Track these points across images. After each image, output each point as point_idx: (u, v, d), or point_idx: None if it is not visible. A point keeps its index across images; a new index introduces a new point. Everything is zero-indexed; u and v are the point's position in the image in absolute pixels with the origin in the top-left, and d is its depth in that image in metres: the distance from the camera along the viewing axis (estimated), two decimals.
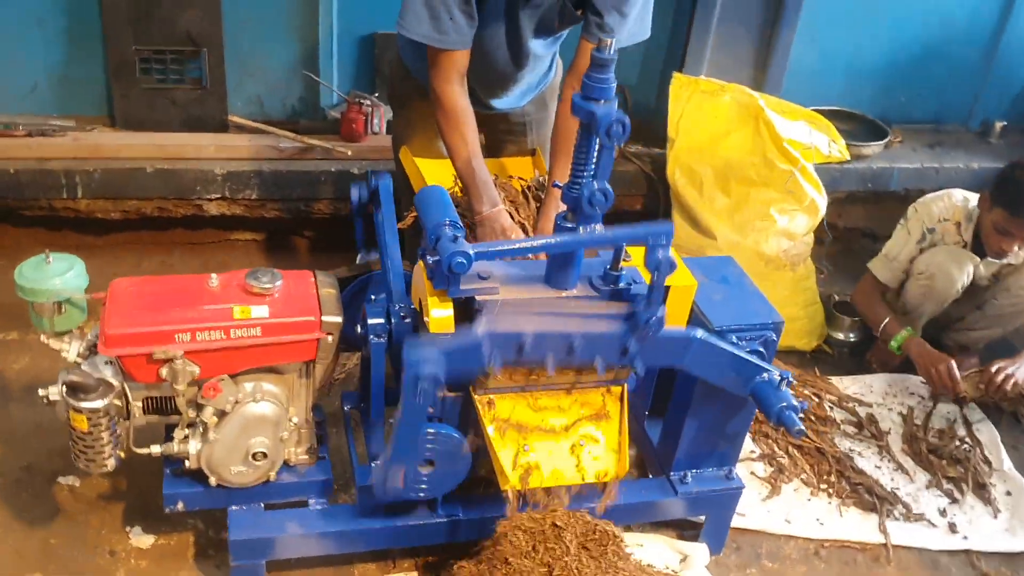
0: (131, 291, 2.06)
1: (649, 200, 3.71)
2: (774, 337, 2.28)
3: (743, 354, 2.16)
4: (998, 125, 4.21)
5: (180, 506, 2.21)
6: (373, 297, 2.26)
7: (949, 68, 4.17)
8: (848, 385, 3.34)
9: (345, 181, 3.35)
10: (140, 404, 2.08)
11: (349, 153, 3.35)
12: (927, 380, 3.18)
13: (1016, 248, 3.03)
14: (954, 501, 2.89)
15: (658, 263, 1.88)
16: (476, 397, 2.07)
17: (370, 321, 2.08)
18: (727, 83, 3.26)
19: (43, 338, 2.06)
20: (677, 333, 2.08)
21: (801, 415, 2.17)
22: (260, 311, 2.03)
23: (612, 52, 1.75)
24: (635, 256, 2.02)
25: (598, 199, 1.84)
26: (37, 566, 2.33)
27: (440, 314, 1.95)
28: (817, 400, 3.21)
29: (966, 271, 3.13)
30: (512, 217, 2.41)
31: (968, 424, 3.19)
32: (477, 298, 1.95)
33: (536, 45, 2.48)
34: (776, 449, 2.98)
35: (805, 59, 3.92)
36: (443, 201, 1.97)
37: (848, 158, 3.32)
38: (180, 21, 3.27)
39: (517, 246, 1.88)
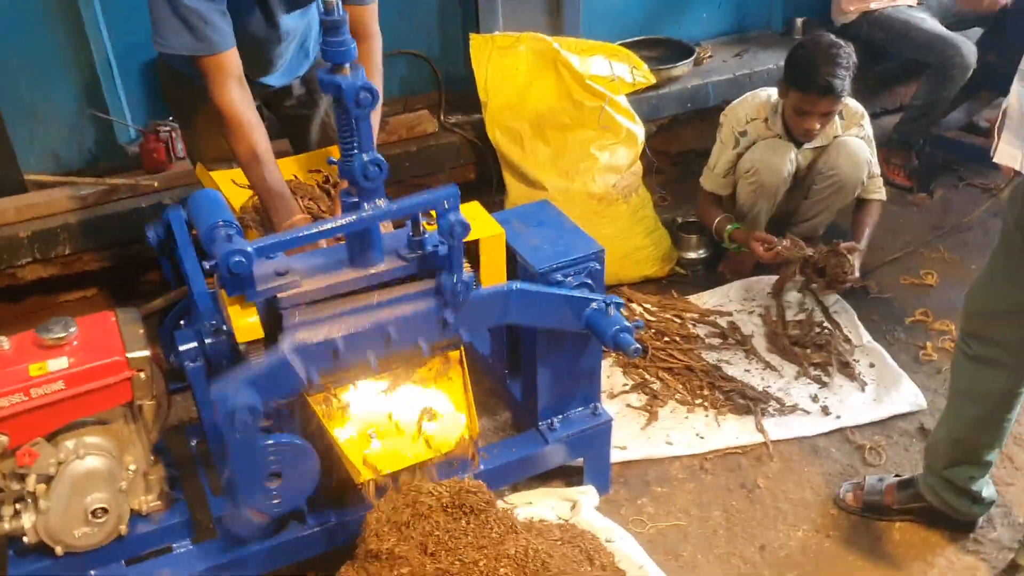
0: None
1: (481, 167, 3.67)
2: (598, 267, 2.28)
3: (565, 291, 2.15)
4: (799, 21, 4.32)
5: None
6: (182, 323, 2.16)
7: None
8: (707, 299, 3.39)
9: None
10: None
11: (156, 184, 3.21)
12: (757, 256, 3.23)
13: (818, 126, 3.11)
14: (823, 385, 2.96)
15: (451, 226, 1.85)
16: (310, 398, 2.00)
17: (181, 347, 1.98)
18: (521, 33, 3.24)
19: None
20: (492, 290, 2.05)
21: (638, 335, 2.18)
22: (58, 363, 1.91)
23: (340, 13, 1.70)
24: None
25: (372, 171, 1.79)
26: None
27: (244, 322, 1.87)
28: (679, 321, 3.25)
29: (787, 159, 3.20)
30: (313, 215, 2.34)
31: (825, 309, 3.27)
32: (279, 296, 1.88)
33: (289, 21, 2.44)
34: (647, 376, 3.01)
35: None
36: (214, 202, 1.88)
37: (654, 82, 3.35)
38: None
39: (302, 234, 1.81)
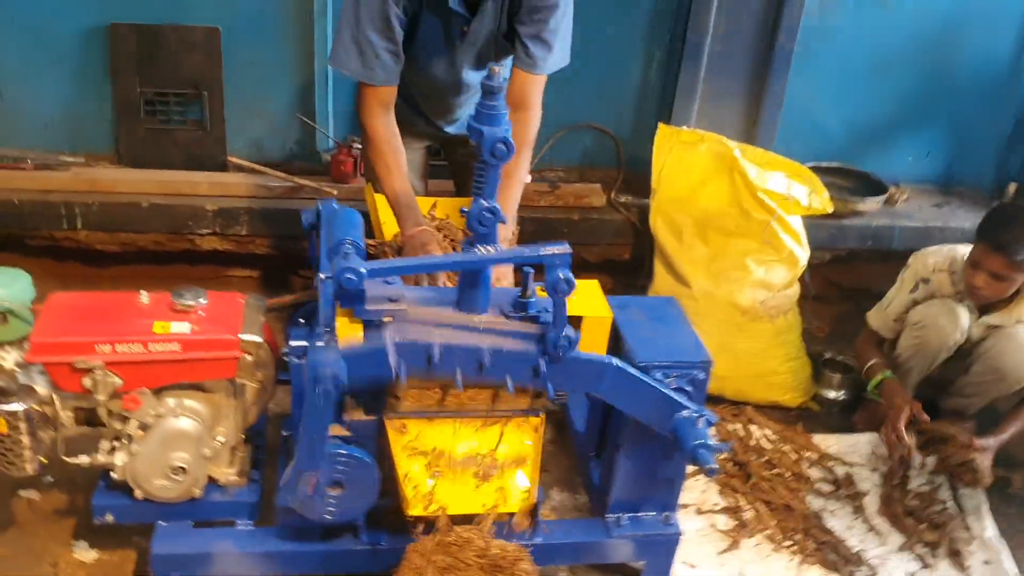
0: (65, 304, 2.16)
1: (637, 250, 3.71)
2: (701, 376, 2.25)
3: (661, 387, 2.13)
4: (1012, 187, 4.10)
5: (109, 518, 2.26)
6: (301, 320, 2.30)
7: (960, 127, 4.10)
8: (832, 444, 3.23)
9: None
10: (71, 414, 2.16)
11: (336, 193, 3.45)
12: (888, 418, 3.04)
13: (983, 285, 2.92)
14: (925, 567, 2.76)
15: (556, 282, 1.89)
16: (387, 421, 2.09)
17: (291, 342, 2.12)
18: (706, 133, 3.26)
19: None
20: (592, 358, 2.08)
21: (722, 455, 2.14)
22: (180, 327, 2.10)
23: (499, 80, 1.81)
24: None
25: (486, 218, 1.88)
26: None
27: (348, 334, 1.98)
28: (795, 456, 3.12)
29: (959, 325, 3.04)
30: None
31: (954, 489, 3.05)
32: (384, 320, 1.99)
33: (473, 76, 2.58)
34: (742, 503, 2.90)
35: (806, 115, 3.92)
36: (349, 222, 2.02)
37: (830, 210, 3.26)
38: (183, 65, 3.45)
39: (414, 263, 1.91)
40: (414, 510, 2.08)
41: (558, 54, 2.53)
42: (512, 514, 2.19)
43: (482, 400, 2.10)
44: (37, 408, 2.09)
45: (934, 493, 3.01)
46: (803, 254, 3.25)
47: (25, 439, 2.09)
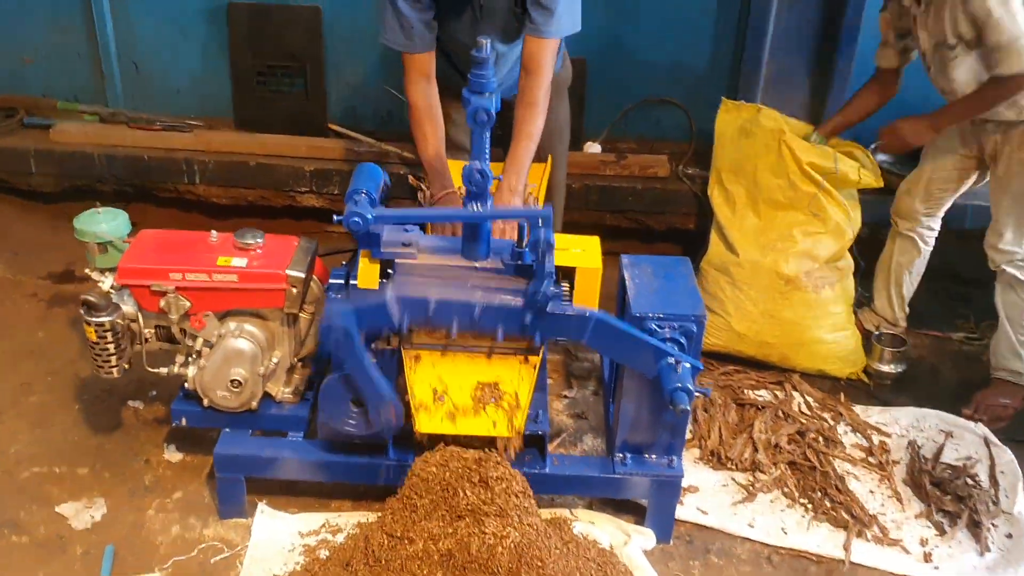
0: (151, 238, 2.59)
1: (701, 220, 3.86)
2: (695, 329, 2.43)
3: (644, 337, 2.34)
4: None
5: (183, 421, 2.68)
6: (344, 263, 2.64)
7: None
8: (874, 415, 3.32)
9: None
10: (152, 331, 2.59)
11: (415, 156, 3.79)
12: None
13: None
14: (941, 534, 2.82)
15: (538, 241, 2.14)
16: (404, 351, 2.40)
17: (331, 280, 2.46)
18: (763, 107, 3.38)
19: (87, 270, 2.62)
20: (573, 311, 2.30)
21: (697, 397, 2.33)
22: (239, 261, 2.48)
23: (487, 51, 2.06)
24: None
25: (475, 179, 2.14)
26: (87, 461, 2.90)
27: (367, 272, 2.30)
28: (830, 424, 3.23)
29: None
30: None
31: (992, 463, 3.09)
32: (396, 261, 2.29)
33: (500, 48, 2.85)
34: (764, 460, 3.05)
35: None
36: (369, 175, 2.33)
37: (880, 185, 3.31)
38: (287, 41, 3.88)
39: (416, 214, 2.20)
40: (422, 428, 2.38)
41: (564, 19, 2.70)
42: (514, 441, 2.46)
43: (484, 338, 2.38)
44: (122, 323, 2.52)
45: (966, 468, 3.05)
46: (850, 227, 3.32)
47: (111, 347, 2.53)
